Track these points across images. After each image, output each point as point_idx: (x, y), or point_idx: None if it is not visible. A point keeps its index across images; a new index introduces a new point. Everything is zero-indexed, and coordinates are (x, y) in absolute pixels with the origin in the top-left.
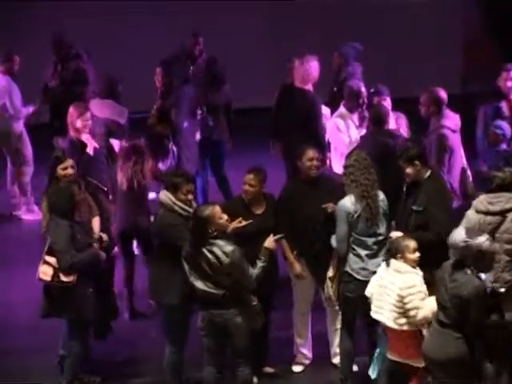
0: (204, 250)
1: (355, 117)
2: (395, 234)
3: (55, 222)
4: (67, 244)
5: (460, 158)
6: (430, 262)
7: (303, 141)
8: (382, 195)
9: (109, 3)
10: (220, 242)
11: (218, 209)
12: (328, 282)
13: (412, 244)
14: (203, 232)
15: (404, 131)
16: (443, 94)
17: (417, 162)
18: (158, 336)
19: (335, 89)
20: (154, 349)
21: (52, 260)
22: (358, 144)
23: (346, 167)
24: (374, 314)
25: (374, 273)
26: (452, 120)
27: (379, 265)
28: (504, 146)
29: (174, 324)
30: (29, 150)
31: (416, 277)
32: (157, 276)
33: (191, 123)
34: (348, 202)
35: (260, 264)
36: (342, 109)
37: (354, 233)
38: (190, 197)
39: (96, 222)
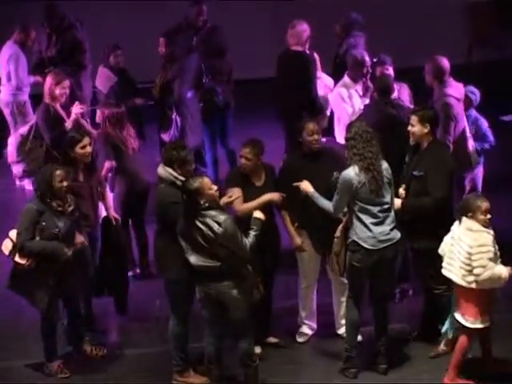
0: (197, 223)
1: (359, 87)
2: (395, 202)
3: (29, 202)
4: (24, 227)
5: (464, 128)
6: (428, 229)
7: (299, 103)
8: (385, 164)
9: None
10: (212, 213)
11: (206, 180)
12: (333, 258)
13: (484, 205)
14: (194, 204)
15: (406, 101)
16: (446, 63)
17: (427, 124)
18: (162, 305)
19: (337, 60)
20: (161, 319)
21: (13, 237)
22: (362, 113)
23: (347, 140)
24: (444, 271)
25: (381, 241)
26: (456, 89)
27: (387, 233)
28: (473, 112)
29: (177, 297)
30: (32, 121)
31: (488, 236)
32: (158, 250)
33: (195, 93)
34: (352, 173)
35: (252, 233)
36: (345, 78)
37: (359, 202)
38: (189, 168)
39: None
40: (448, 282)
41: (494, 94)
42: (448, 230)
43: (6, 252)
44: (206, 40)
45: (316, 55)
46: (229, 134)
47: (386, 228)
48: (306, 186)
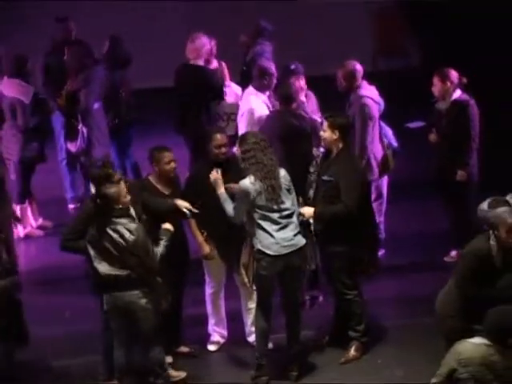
0: (108, 230)
1: (266, 96)
2: (307, 210)
3: None
4: None
5: (380, 131)
6: (340, 234)
7: (199, 116)
8: (282, 171)
9: None
10: (123, 220)
11: (122, 186)
12: (242, 270)
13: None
14: (108, 211)
15: (314, 110)
16: (359, 66)
17: (336, 131)
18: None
19: (244, 68)
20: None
21: None
22: (264, 124)
23: (245, 151)
24: None
25: (285, 247)
26: (371, 91)
27: (290, 239)
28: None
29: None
30: None
31: None
32: None
33: (101, 105)
34: (247, 182)
35: (162, 243)
36: (250, 89)
37: (259, 209)
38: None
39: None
40: (359, 287)
41: (399, 102)
42: (360, 235)
43: None
44: (110, 51)
45: (224, 64)
46: (132, 145)
47: (289, 234)
48: (216, 181)
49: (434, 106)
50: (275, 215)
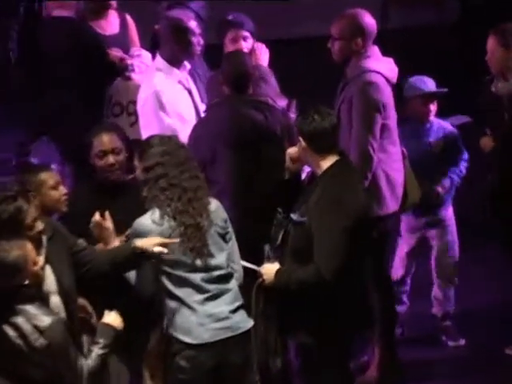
0: (3, 326)
1: (184, 71)
2: (268, 270)
3: None
4: None
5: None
6: (312, 315)
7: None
8: (214, 204)
9: None
10: (31, 310)
11: (29, 247)
12: (146, 373)
13: None
14: (6, 290)
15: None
16: (369, 20)
17: (308, 142)
18: None
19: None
20: None
21: None
22: (199, 124)
23: (147, 169)
24: None
25: (217, 330)
26: (384, 64)
27: (225, 316)
28: None
29: None
30: None
31: None
32: None
33: None
34: (148, 222)
35: (97, 351)
36: (157, 60)
37: (169, 267)
38: None
39: None
40: None
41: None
42: (344, 321)
43: None
44: None
45: (129, 18)
46: None
47: (222, 308)
48: (102, 230)
49: (487, 87)
50: (198, 277)
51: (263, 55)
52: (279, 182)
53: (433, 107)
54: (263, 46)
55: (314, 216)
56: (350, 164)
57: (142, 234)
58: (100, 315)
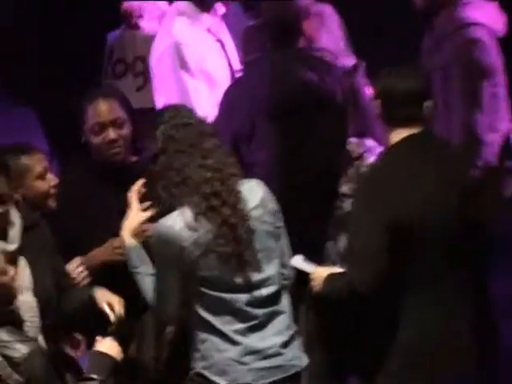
0: None
1: (215, 19)
2: (319, 271)
3: None
4: None
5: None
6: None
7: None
8: (257, 192)
9: None
10: (3, 336)
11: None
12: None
13: None
14: None
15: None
16: None
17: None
18: None
19: None
20: None
21: None
22: (233, 85)
23: (155, 157)
24: None
25: (263, 371)
26: (487, 13)
27: (275, 351)
28: None
29: None
30: None
31: None
32: None
33: None
34: (175, 224)
35: None
36: (178, 4)
37: (202, 285)
38: None
39: None
40: None
41: None
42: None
43: None
44: None
45: None
46: None
47: (272, 340)
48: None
49: None
50: (240, 298)
51: None
52: (338, 162)
53: None
54: None
55: (354, 207)
56: (424, 145)
57: (169, 244)
58: (91, 342)
